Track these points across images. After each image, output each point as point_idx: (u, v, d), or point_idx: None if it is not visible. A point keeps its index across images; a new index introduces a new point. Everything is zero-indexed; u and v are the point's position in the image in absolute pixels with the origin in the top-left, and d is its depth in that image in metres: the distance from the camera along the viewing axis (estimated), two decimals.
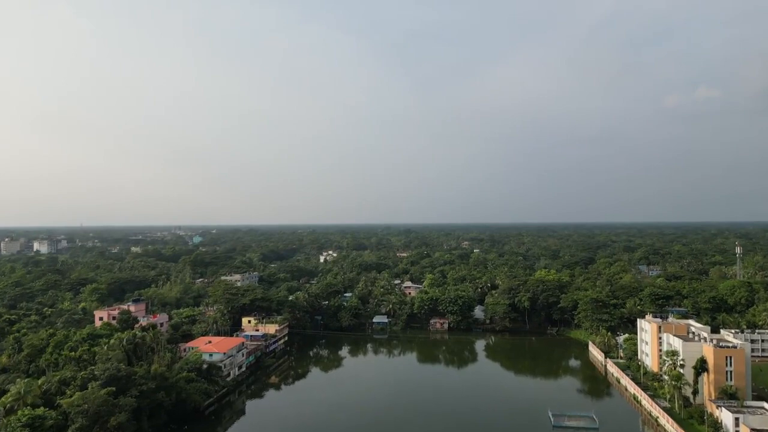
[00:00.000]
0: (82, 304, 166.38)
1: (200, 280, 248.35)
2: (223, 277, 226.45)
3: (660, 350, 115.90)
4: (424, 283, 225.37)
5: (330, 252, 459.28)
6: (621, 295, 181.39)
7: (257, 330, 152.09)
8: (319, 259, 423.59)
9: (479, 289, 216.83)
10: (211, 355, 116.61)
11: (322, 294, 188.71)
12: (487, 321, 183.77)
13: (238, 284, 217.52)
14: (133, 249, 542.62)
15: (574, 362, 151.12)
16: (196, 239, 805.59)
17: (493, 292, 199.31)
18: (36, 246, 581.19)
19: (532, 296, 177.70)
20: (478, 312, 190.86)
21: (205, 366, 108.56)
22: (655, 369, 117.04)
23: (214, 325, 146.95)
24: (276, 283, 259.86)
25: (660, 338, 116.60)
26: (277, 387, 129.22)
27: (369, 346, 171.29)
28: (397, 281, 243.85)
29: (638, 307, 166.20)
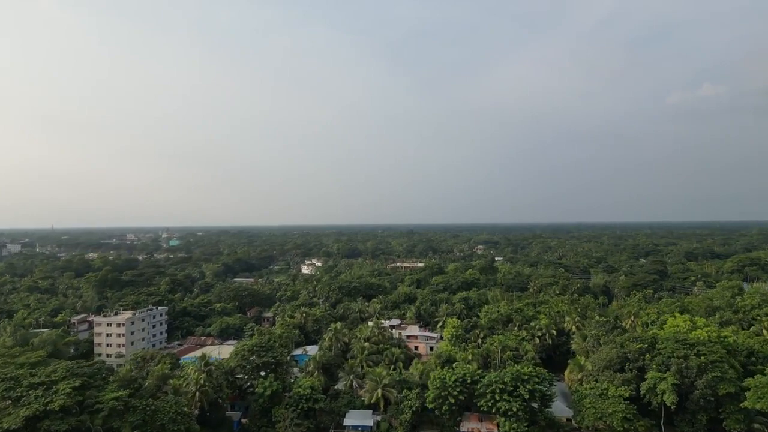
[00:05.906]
0: None
1: (78, 317, 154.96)
2: (103, 319, 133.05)
3: None
4: (444, 332, 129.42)
5: (314, 261, 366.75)
6: None
7: None
8: (301, 270, 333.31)
9: (537, 339, 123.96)
10: None
11: (244, 367, 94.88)
12: (576, 425, 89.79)
13: (127, 328, 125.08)
14: (90, 255, 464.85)
15: None
16: (173, 242, 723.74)
17: (581, 359, 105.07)
18: None
19: (681, 380, 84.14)
20: (558, 403, 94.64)
21: None
22: None
23: None
24: (209, 317, 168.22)
25: None
26: None
27: None
28: (395, 321, 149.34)
29: None
